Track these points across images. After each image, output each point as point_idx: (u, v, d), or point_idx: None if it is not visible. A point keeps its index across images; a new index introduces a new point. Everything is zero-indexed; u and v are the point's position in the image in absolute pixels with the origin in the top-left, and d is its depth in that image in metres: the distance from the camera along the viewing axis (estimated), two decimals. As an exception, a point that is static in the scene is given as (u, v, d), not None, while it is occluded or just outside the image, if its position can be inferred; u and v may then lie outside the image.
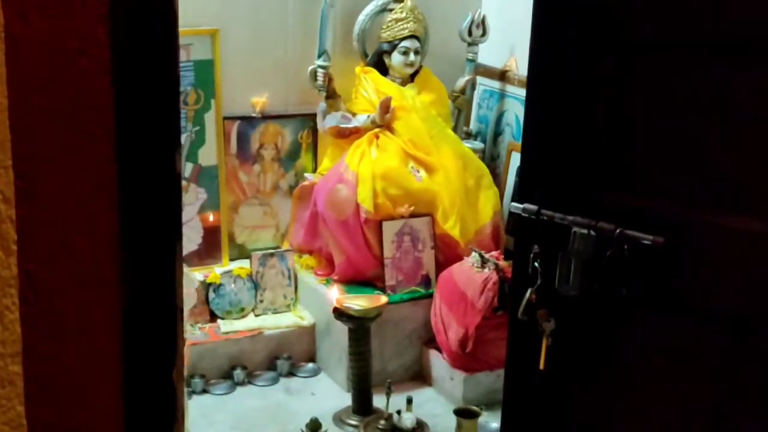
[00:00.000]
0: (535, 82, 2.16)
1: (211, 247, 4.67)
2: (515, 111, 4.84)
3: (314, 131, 4.91)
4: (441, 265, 4.51)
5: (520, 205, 2.12)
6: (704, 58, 1.93)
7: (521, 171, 2.23)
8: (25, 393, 1.05)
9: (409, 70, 4.80)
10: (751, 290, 1.92)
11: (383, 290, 4.43)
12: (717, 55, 1.92)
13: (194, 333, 4.34)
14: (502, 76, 4.98)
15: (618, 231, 1.98)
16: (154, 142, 1.07)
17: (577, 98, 2.09)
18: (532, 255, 2.12)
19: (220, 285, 4.52)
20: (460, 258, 4.40)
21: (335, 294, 4.27)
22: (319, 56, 4.70)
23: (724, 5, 1.87)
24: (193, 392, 4.22)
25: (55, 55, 1.01)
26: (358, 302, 4.09)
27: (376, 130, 4.62)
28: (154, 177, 1.08)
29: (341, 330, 4.24)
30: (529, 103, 2.20)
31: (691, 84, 1.95)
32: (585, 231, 2.02)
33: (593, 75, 2.06)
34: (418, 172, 4.56)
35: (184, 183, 4.49)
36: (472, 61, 4.99)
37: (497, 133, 5.06)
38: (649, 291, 2.02)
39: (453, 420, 3.87)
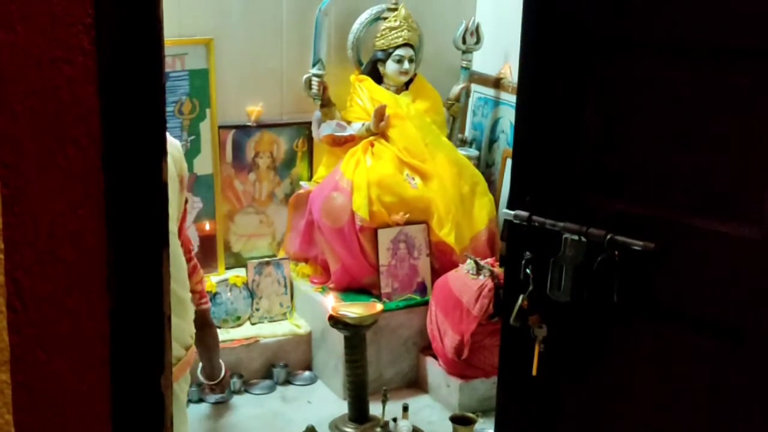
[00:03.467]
0: (525, 89, 2.17)
1: (207, 255, 4.68)
2: (510, 118, 4.85)
3: (309, 139, 4.93)
4: (436, 273, 4.52)
5: (512, 212, 2.13)
6: (693, 62, 1.94)
7: (512, 178, 2.23)
8: (13, 401, 1.05)
9: (404, 78, 4.81)
10: (742, 296, 1.92)
11: (379, 298, 4.44)
12: (705, 59, 1.93)
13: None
14: (497, 83, 5.00)
15: (609, 237, 1.99)
16: (140, 150, 1.08)
17: (567, 105, 2.10)
18: (523, 261, 2.13)
19: (216, 294, 4.52)
20: (455, 265, 4.40)
21: (331, 302, 4.27)
22: (314, 65, 4.71)
23: (712, 9, 1.88)
24: (190, 400, 4.22)
25: (41, 64, 1.01)
26: (354, 310, 4.09)
27: (371, 138, 4.63)
28: (141, 185, 1.08)
29: (337, 338, 4.24)
30: (520, 111, 2.21)
31: (680, 89, 1.96)
32: (576, 237, 2.03)
33: (583, 81, 2.07)
34: (413, 179, 4.56)
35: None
36: (467, 68, 5.01)
37: (492, 140, 5.07)
38: (640, 296, 2.02)
39: (449, 427, 3.87)
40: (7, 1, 0.98)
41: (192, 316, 2.64)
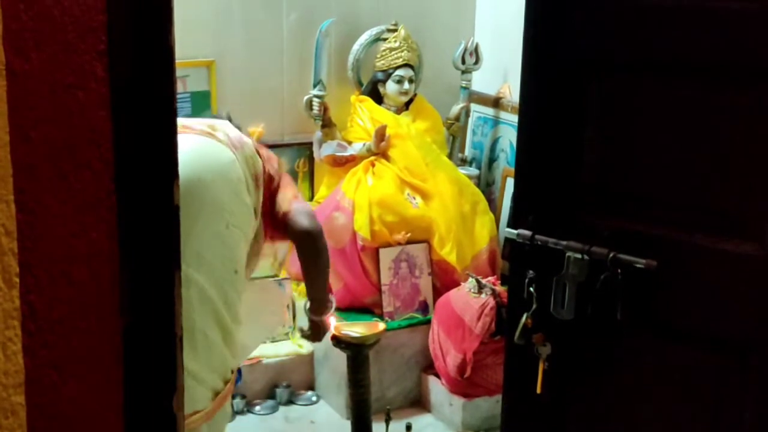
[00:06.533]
0: (526, 109, 2.18)
1: (209, 276, 4.67)
2: (509, 137, 4.87)
3: (311, 160, 4.94)
4: (438, 291, 4.52)
5: (515, 231, 2.14)
6: (693, 82, 1.96)
7: (514, 197, 2.25)
8: (27, 423, 1.06)
9: (404, 99, 4.83)
10: (745, 312, 1.93)
11: (381, 317, 4.44)
12: (705, 79, 1.95)
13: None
14: (496, 102, 5.02)
15: (611, 255, 2.00)
16: (152, 174, 1.09)
17: (568, 124, 2.11)
18: (527, 280, 2.14)
19: (218, 314, 4.51)
20: (457, 284, 4.41)
21: (333, 321, 4.27)
22: (315, 86, 4.74)
23: (712, 29, 1.90)
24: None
25: (55, 90, 1.03)
26: (356, 329, 4.07)
27: (372, 158, 4.65)
28: (153, 208, 1.10)
29: (340, 357, 4.23)
30: (522, 130, 2.22)
31: (681, 108, 1.97)
32: (579, 255, 2.04)
33: (583, 101, 2.09)
34: (414, 199, 4.58)
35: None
36: (466, 88, 5.03)
37: (492, 159, 5.09)
38: (643, 314, 2.03)
39: (453, 446, 3.87)
40: (22, 29, 0.99)
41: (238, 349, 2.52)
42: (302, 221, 2.83)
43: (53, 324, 1.07)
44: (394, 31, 4.85)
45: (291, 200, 2.76)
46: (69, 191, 1.05)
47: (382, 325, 4.20)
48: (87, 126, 1.05)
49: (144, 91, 1.07)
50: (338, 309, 4.51)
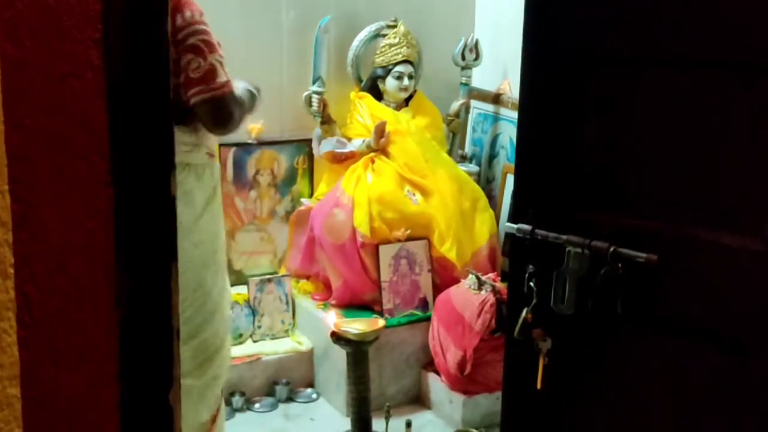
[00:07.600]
0: (526, 104, 2.18)
1: (208, 273, 4.66)
2: (509, 133, 4.86)
3: (310, 157, 4.94)
4: (438, 288, 4.52)
5: (515, 226, 2.13)
6: (693, 77, 1.95)
7: (514, 192, 2.24)
8: (23, 415, 1.06)
9: (404, 95, 4.83)
10: (746, 308, 1.92)
11: (381, 314, 4.43)
12: (706, 73, 1.94)
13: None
14: (496, 99, 5.01)
15: (612, 249, 1.99)
16: (148, 165, 1.08)
17: (568, 119, 2.10)
18: (527, 275, 2.13)
19: (217, 311, 4.50)
20: (457, 280, 4.40)
21: (333, 318, 4.27)
22: (314, 82, 4.73)
23: (713, 24, 1.89)
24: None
25: (50, 79, 1.02)
26: (356, 326, 4.09)
27: (372, 154, 4.64)
28: (149, 199, 1.09)
29: (339, 354, 4.24)
30: (522, 126, 2.21)
31: (681, 103, 1.96)
32: (579, 250, 2.03)
33: (584, 96, 2.08)
34: (414, 195, 4.57)
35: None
36: (466, 84, 5.03)
37: (492, 156, 5.08)
38: (643, 309, 2.03)
39: (453, 443, 3.87)
40: (17, 17, 0.99)
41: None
42: (206, 122, 2.93)
43: (49, 316, 1.07)
44: (394, 27, 4.85)
45: (190, 93, 2.82)
46: (64, 182, 1.05)
47: (381, 322, 4.21)
48: (82, 115, 1.05)
49: (140, 80, 1.06)
50: (338, 306, 4.54)
